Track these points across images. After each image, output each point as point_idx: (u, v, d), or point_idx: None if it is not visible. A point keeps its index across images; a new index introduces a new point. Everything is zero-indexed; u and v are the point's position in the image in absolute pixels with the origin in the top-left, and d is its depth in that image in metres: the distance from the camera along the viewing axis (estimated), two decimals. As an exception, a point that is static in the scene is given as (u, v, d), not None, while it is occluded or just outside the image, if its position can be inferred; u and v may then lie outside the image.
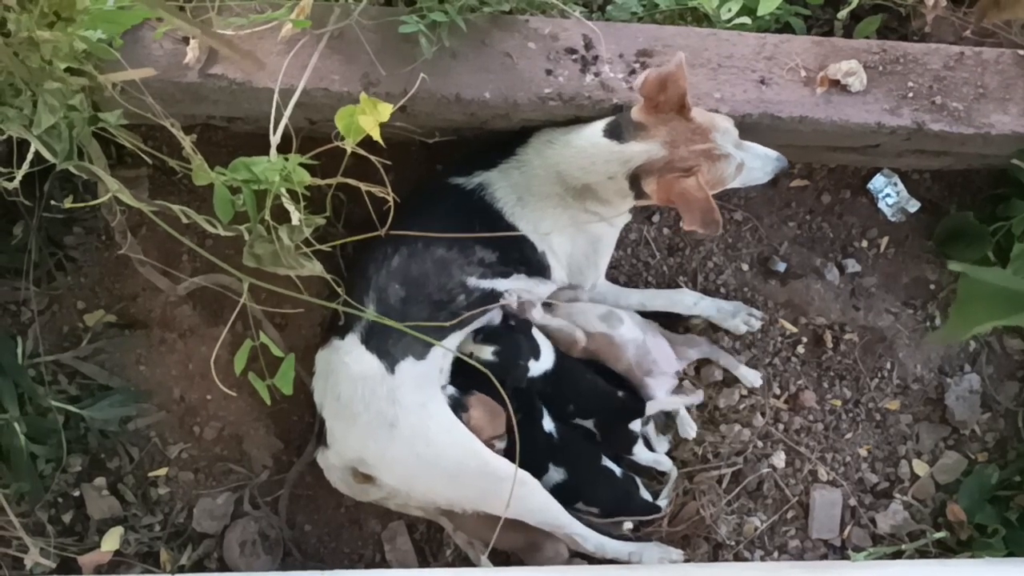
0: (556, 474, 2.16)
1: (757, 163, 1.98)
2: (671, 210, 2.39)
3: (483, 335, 2.13)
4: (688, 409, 2.33)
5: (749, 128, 1.99)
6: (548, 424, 2.18)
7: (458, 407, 2.06)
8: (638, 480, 2.26)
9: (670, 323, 2.37)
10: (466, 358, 1.86)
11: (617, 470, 2.22)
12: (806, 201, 2.48)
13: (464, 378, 2.11)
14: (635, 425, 2.23)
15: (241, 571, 2.20)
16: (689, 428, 2.31)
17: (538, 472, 2.11)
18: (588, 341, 2.22)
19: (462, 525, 2.17)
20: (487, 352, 2.11)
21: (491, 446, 2.04)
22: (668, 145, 1.86)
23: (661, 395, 2.26)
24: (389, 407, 1.96)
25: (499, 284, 2.10)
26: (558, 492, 2.13)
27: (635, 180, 1.92)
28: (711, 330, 2.39)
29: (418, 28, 1.83)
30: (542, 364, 2.16)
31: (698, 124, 1.88)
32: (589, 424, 2.24)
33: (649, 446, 2.30)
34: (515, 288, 2.14)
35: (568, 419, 2.23)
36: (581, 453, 2.20)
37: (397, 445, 1.96)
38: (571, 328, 2.22)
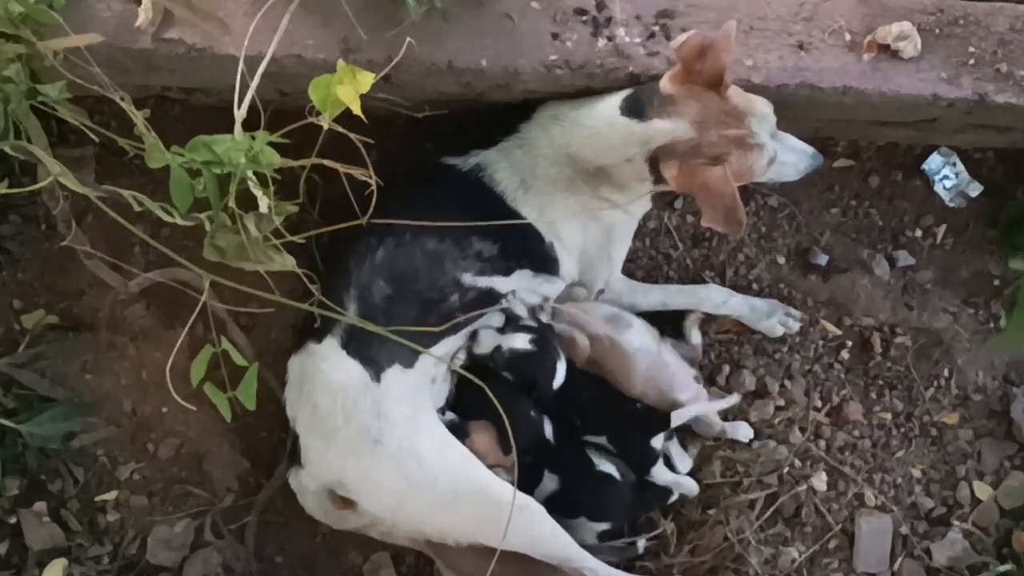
0: (550, 483, 2.18)
1: (791, 158, 2.00)
2: (696, 194, 2.39)
3: (514, 325, 2.15)
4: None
5: (785, 101, 1.99)
6: (548, 430, 2.20)
7: (458, 434, 2.07)
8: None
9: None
10: (465, 372, 1.86)
11: (615, 473, 2.22)
12: (851, 184, 2.48)
13: (473, 394, 2.11)
14: (656, 441, 2.23)
15: (202, 609, 2.21)
16: (743, 431, 2.31)
17: (533, 482, 2.14)
18: (592, 346, 2.22)
19: (455, 563, 2.16)
20: (522, 340, 2.12)
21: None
22: (697, 125, 1.87)
23: (694, 402, 2.26)
24: (373, 421, 1.96)
25: (498, 283, 2.11)
26: (553, 503, 2.14)
27: (655, 162, 1.92)
28: (748, 332, 2.41)
29: (405, -15, 1.83)
30: (559, 376, 2.18)
31: (734, 105, 1.88)
32: (602, 440, 2.24)
33: (670, 466, 2.30)
34: (518, 288, 2.15)
35: (576, 435, 2.24)
36: (574, 459, 2.22)
37: (382, 465, 1.96)
38: (572, 330, 2.23)
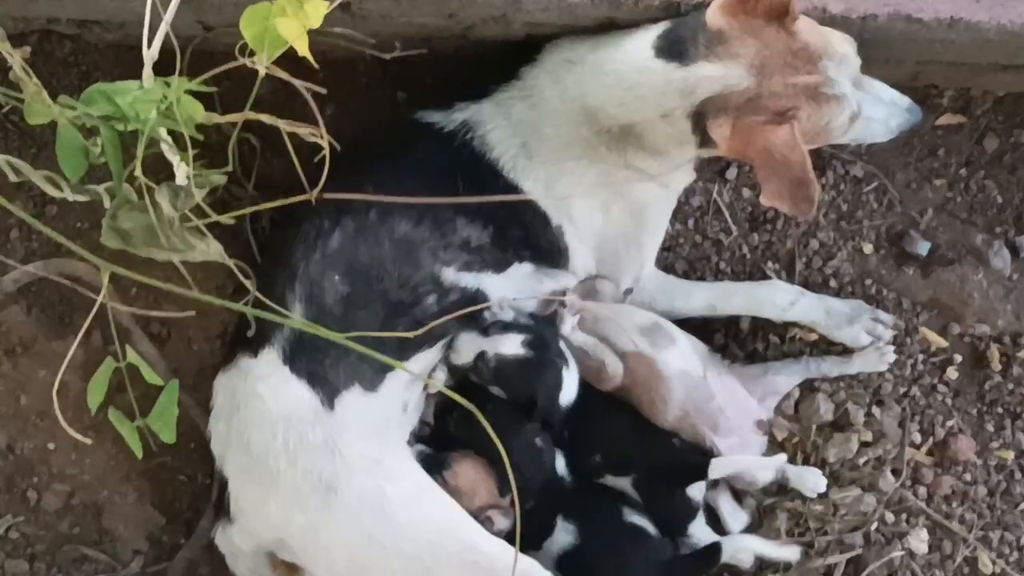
0: (565, 534, 2.18)
1: (879, 112, 2.00)
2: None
3: (500, 325, 2.15)
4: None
5: (873, 37, 1.99)
6: (560, 465, 2.21)
7: (436, 467, 2.08)
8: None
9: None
10: (449, 392, 1.85)
11: (650, 528, 2.23)
12: (961, 147, 2.49)
13: (459, 425, 2.14)
14: (695, 490, 2.24)
15: None
16: (812, 481, 2.29)
17: (542, 532, 2.15)
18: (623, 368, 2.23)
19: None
20: (513, 343, 2.12)
21: (485, 523, 2.05)
22: (756, 71, 1.86)
23: (737, 451, 2.27)
24: (326, 462, 1.96)
25: (488, 282, 2.13)
26: (567, 565, 2.16)
27: (700, 119, 1.92)
28: (824, 343, 2.41)
29: None
30: (568, 389, 2.18)
31: (804, 44, 1.88)
32: (625, 483, 2.26)
33: (717, 525, 2.30)
34: (512, 291, 2.16)
35: (593, 475, 2.25)
36: (597, 504, 2.23)
37: (337, 520, 1.97)
38: (601, 351, 2.23)
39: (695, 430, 2.25)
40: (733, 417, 2.27)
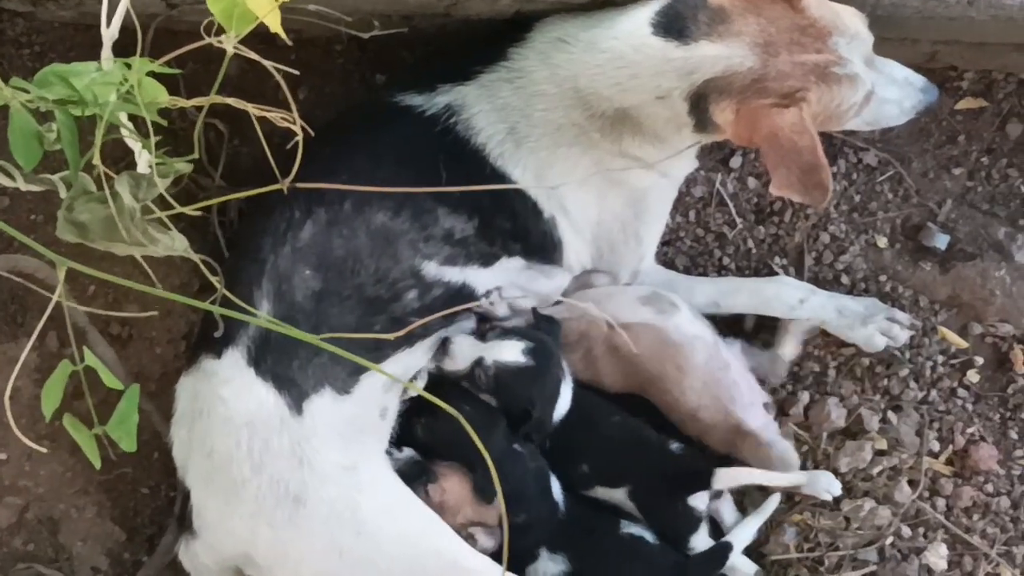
0: (551, 565, 2.19)
1: (893, 93, 2.01)
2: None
3: (501, 330, 2.16)
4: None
5: (887, 14, 2.00)
6: (556, 490, 2.22)
7: (419, 476, 2.08)
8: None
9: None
10: (430, 396, 1.85)
11: (648, 536, 2.24)
12: (982, 133, 2.49)
13: (428, 432, 2.14)
14: (698, 500, 2.24)
15: None
16: (826, 483, 2.29)
17: (524, 556, 2.15)
18: (614, 339, 2.21)
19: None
20: (513, 350, 2.12)
21: (469, 539, 2.06)
22: (761, 50, 1.88)
23: (763, 434, 2.27)
24: (293, 471, 1.97)
25: (475, 276, 2.14)
26: None
27: (699, 102, 1.93)
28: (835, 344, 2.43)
29: None
30: (561, 403, 2.19)
31: (812, 19, 1.89)
32: (620, 494, 2.26)
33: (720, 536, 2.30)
34: (503, 284, 2.17)
35: (581, 487, 2.26)
36: (590, 524, 2.23)
37: (306, 534, 1.97)
38: (577, 309, 2.21)
39: (719, 403, 2.26)
40: (747, 393, 2.29)
